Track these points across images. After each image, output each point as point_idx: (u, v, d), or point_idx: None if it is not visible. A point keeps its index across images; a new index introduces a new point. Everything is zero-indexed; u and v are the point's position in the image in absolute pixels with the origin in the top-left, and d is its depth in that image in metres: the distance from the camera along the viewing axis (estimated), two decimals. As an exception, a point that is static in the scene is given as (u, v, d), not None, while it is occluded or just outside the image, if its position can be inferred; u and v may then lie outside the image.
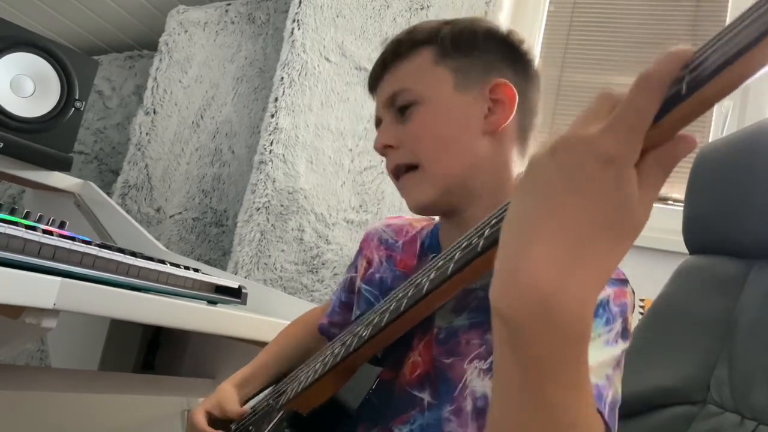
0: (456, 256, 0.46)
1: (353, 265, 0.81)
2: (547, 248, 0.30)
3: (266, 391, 0.83)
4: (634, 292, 0.58)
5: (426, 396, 0.59)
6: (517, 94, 0.64)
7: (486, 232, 0.42)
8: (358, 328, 0.58)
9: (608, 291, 0.53)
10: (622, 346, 0.53)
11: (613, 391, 0.49)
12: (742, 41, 0.26)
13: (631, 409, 0.68)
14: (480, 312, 0.59)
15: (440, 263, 0.49)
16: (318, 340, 0.85)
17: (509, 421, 0.35)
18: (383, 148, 0.67)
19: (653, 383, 0.67)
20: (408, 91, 0.65)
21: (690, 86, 0.28)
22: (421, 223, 0.77)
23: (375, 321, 0.55)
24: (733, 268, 0.69)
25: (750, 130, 0.71)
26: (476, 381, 0.55)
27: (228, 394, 0.78)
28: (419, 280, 0.51)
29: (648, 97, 0.29)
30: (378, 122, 0.71)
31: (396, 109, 0.66)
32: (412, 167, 0.64)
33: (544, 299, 0.30)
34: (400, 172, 0.66)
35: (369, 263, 0.76)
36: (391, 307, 0.53)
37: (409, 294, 0.51)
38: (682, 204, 0.79)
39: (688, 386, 0.65)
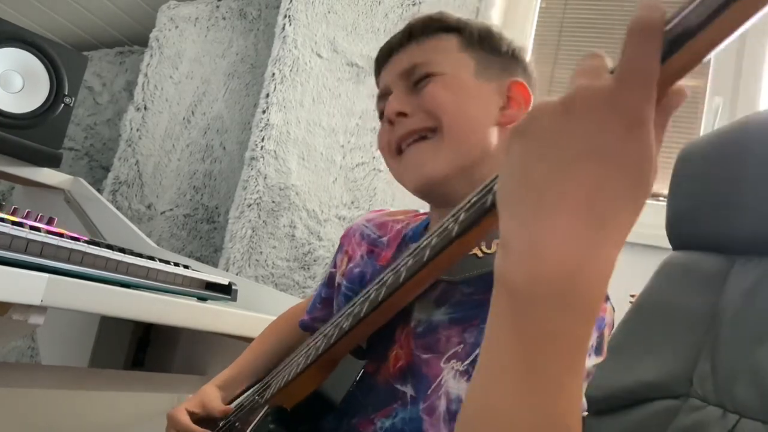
0: (433, 242, 0.45)
1: (333, 261, 0.81)
2: (572, 220, 0.28)
3: (253, 387, 0.83)
4: (614, 309, 0.57)
5: (408, 389, 0.59)
6: (532, 98, 0.65)
7: (461, 216, 0.41)
8: (340, 320, 0.58)
9: None
10: (595, 360, 0.52)
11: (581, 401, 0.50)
12: None
13: (615, 403, 0.68)
14: (461, 307, 0.58)
15: (418, 250, 0.48)
16: (301, 335, 0.85)
17: (498, 409, 0.31)
18: (395, 115, 0.63)
19: (636, 378, 0.68)
20: (430, 64, 0.64)
21: (680, 34, 0.27)
22: (405, 216, 0.75)
23: (355, 311, 0.55)
24: (717, 263, 0.70)
25: (733, 127, 0.71)
26: (451, 382, 0.54)
27: (211, 395, 0.78)
28: (398, 268, 0.51)
29: (652, 42, 0.27)
30: (383, 94, 0.68)
31: (411, 82, 0.64)
32: (430, 130, 0.62)
33: (571, 274, 0.28)
34: (410, 141, 0.63)
35: (350, 259, 0.75)
36: (371, 296, 0.53)
37: (388, 282, 0.51)
38: (665, 199, 0.80)
39: (671, 380, 0.65)
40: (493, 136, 0.63)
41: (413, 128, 0.62)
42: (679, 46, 0.28)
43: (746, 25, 0.27)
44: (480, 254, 0.57)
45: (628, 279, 0.87)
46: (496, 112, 0.63)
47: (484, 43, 0.66)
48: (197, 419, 0.76)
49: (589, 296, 0.29)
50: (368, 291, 0.55)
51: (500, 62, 0.66)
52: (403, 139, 0.63)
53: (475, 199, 0.41)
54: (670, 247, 0.78)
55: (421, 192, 0.65)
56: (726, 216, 0.69)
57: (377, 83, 0.71)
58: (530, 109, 0.31)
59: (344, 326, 0.55)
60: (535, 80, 0.69)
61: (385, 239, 0.73)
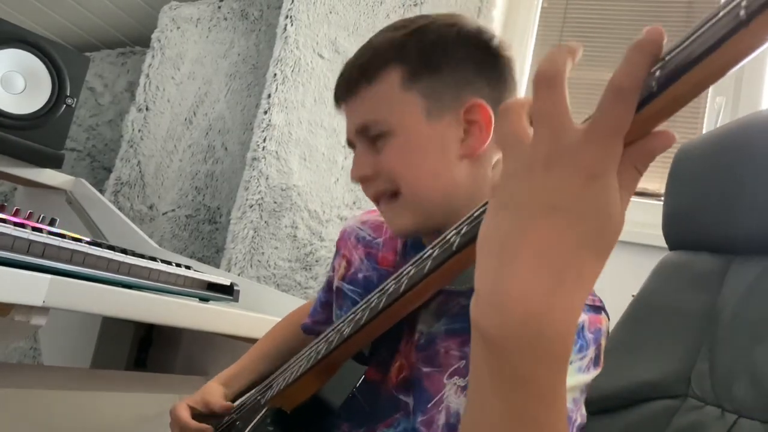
0: (435, 254, 0.46)
1: (332, 265, 0.81)
2: (531, 268, 0.29)
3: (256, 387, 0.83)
4: (608, 318, 0.57)
5: (410, 400, 0.59)
6: (492, 115, 0.60)
7: (464, 230, 0.42)
8: (342, 325, 0.58)
9: (583, 317, 0.52)
10: (594, 373, 0.53)
11: (580, 414, 0.50)
12: (707, 41, 0.26)
13: (613, 403, 0.68)
14: (459, 319, 0.58)
15: (419, 261, 0.48)
16: (304, 338, 0.85)
17: None
18: (359, 180, 0.64)
19: (635, 378, 0.68)
20: (379, 122, 0.61)
21: (660, 83, 0.28)
22: None
23: (357, 318, 0.55)
24: (714, 263, 0.70)
25: (732, 127, 0.71)
26: (453, 397, 0.55)
27: (213, 391, 0.78)
28: (400, 277, 0.51)
29: (625, 104, 0.28)
30: (350, 143, 0.67)
31: (369, 139, 0.63)
32: (393, 194, 0.62)
33: (531, 320, 0.29)
34: (379, 199, 0.64)
35: (348, 263, 0.75)
36: (372, 303, 0.53)
37: (390, 290, 0.51)
38: (662, 199, 0.80)
39: (669, 380, 0.65)
40: (459, 170, 0.61)
41: (378, 191, 0.63)
42: (659, 92, 0.28)
43: (726, 72, 0.27)
44: None
45: (628, 279, 0.87)
46: (456, 147, 0.60)
47: (430, 62, 0.60)
48: (199, 415, 0.76)
49: (556, 341, 0.30)
50: (370, 298, 0.55)
51: (451, 80, 0.60)
52: (373, 198, 0.65)
53: (478, 213, 0.41)
54: (667, 246, 0.78)
55: (404, 238, 0.68)
56: (723, 215, 0.68)
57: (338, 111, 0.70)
58: (504, 169, 0.32)
59: (345, 332, 0.55)
60: (505, 77, 0.63)
61: (380, 240, 0.73)
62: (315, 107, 1.68)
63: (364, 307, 0.55)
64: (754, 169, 0.65)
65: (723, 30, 0.25)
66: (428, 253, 0.47)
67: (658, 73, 0.28)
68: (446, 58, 0.61)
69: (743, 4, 0.24)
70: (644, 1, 1.68)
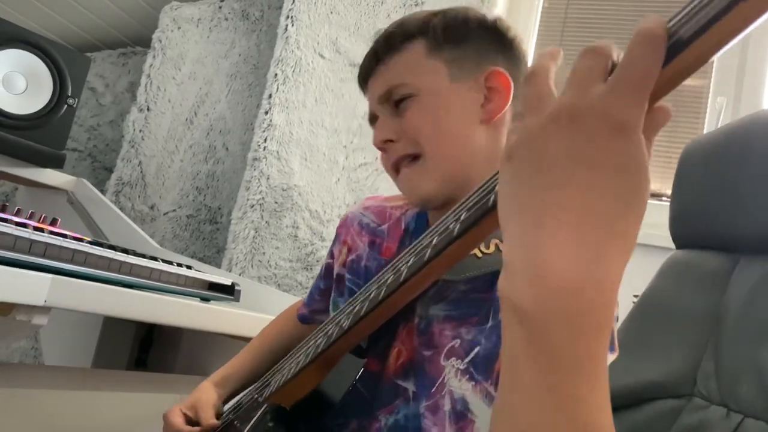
0: (434, 242, 0.45)
1: (330, 251, 0.81)
2: (572, 236, 0.27)
3: (252, 386, 0.83)
4: (618, 303, 0.57)
5: (410, 386, 0.59)
6: (512, 82, 0.64)
7: (462, 216, 0.41)
8: (340, 318, 0.58)
9: None
10: (611, 358, 0.52)
11: None
12: None
13: (618, 403, 0.68)
14: (458, 305, 0.58)
15: (419, 249, 0.48)
16: (300, 331, 0.85)
17: (526, 428, 0.31)
18: (383, 143, 0.66)
19: (640, 377, 0.68)
20: (404, 85, 0.64)
21: (690, 34, 0.27)
22: (403, 201, 0.76)
23: (356, 310, 0.54)
24: (720, 262, 0.69)
25: (737, 125, 0.71)
26: (454, 381, 0.55)
27: (206, 396, 0.78)
28: (399, 267, 0.50)
29: (654, 50, 0.27)
30: (372, 118, 0.70)
31: (392, 104, 0.66)
32: (414, 157, 0.64)
33: (576, 292, 0.27)
34: (401, 165, 0.66)
35: (349, 249, 0.75)
36: (371, 295, 0.53)
37: (388, 281, 0.50)
38: (669, 199, 0.79)
39: (674, 380, 0.65)
40: (479, 135, 0.64)
41: (401, 154, 0.65)
42: (679, 52, 0.28)
43: (744, 31, 0.26)
44: (479, 255, 0.57)
45: (631, 279, 0.87)
46: (478, 110, 0.64)
47: (451, 37, 0.65)
48: (191, 420, 0.76)
49: (600, 311, 0.29)
50: (368, 289, 0.55)
51: (473, 51, 0.65)
52: (396, 162, 0.66)
53: (476, 198, 0.40)
54: (673, 246, 0.78)
55: (421, 207, 0.68)
56: (730, 214, 0.68)
57: (364, 94, 0.73)
58: (516, 130, 0.31)
59: (344, 325, 0.55)
60: (518, 57, 0.67)
61: (384, 227, 0.73)
62: (316, 107, 1.68)
63: (362, 298, 0.55)
64: (762, 168, 0.65)
65: None
66: (427, 241, 0.47)
67: (686, 25, 0.27)
68: (467, 34, 0.65)
69: None
70: (645, 1, 1.68)
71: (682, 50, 0.28)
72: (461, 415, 0.54)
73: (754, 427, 0.56)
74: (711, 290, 0.67)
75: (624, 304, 0.77)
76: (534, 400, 0.30)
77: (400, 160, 0.65)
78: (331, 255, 0.80)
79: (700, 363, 0.64)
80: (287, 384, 0.62)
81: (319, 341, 0.59)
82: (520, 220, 0.29)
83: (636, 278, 0.83)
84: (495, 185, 0.37)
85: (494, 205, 0.37)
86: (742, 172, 0.67)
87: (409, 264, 0.48)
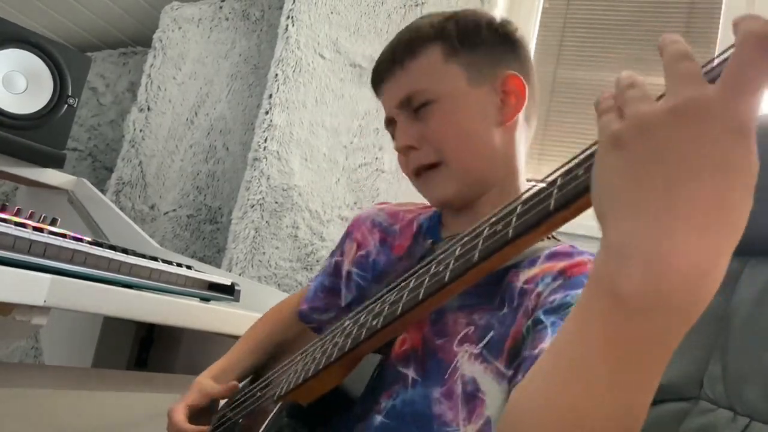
0: (479, 244, 0.44)
1: (339, 249, 0.80)
2: (704, 229, 0.28)
3: (246, 381, 0.83)
4: None
5: (410, 372, 0.59)
6: (526, 86, 0.66)
7: (513, 221, 0.41)
8: (364, 318, 0.56)
9: None
10: None
11: None
12: None
13: (624, 405, 0.68)
14: (470, 295, 0.58)
15: (459, 251, 0.46)
16: (295, 327, 0.84)
17: (577, 405, 0.33)
18: (406, 150, 0.67)
19: (646, 379, 0.67)
20: (424, 91, 0.65)
21: None
22: (415, 207, 0.77)
23: (385, 311, 0.52)
24: (728, 264, 0.69)
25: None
26: (466, 365, 0.55)
27: (207, 384, 0.78)
28: (435, 269, 0.48)
29: (765, 52, 0.28)
30: (389, 122, 0.70)
31: (412, 110, 0.66)
32: (433, 165, 0.65)
33: (695, 285, 0.29)
34: (420, 171, 0.67)
35: (359, 246, 0.76)
36: (404, 297, 0.51)
37: (427, 283, 0.48)
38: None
39: (681, 382, 0.65)
40: (496, 138, 0.65)
41: (423, 163, 0.66)
42: None
43: None
44: None
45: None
46: (495, 113, 0.65)
47: (467, 42, 0.66)
48: (196, 411, 0.76)
49: (703, 302, 0.30)
50: (397, 290, 0.53)
51: (488, 56, 0.66)
52: (414, 171, 0.68)
53: (534, 201, 0.40)
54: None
55: (442, 207, 0.70)
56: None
57: (377, 96, 0.73)
58: (631, 116, 0.31)
59: (375, 324, 0.53)
60: (526, 58, 0.69)
61: (397, 227, 0.74)
62: (316, 107, 1.68)
63: (392, 300, 0.52)
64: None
65: None
66: (471, 244, 0.45)
67: None
68: (481, 38, 0.67)
69: None
70: (645, 2, 1.68)
71: None
72: (471, 395, 0.54)
73: (761, 431, 0.56)
74: (719, 293, 0.66)
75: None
76: (594, 379, 0.31)
77: (420, 168, 0.67)
78: (341, 252, 0.80)
79: (707, 365, 0.64)
80: (306, 382, 0.61)
81: (338, 340, 0.58)
82: (642, 208, 0.30)
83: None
84: (553, 192, 0.38)
85: (555, 211, 0.37)
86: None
87: (451, 267, 0.46)
